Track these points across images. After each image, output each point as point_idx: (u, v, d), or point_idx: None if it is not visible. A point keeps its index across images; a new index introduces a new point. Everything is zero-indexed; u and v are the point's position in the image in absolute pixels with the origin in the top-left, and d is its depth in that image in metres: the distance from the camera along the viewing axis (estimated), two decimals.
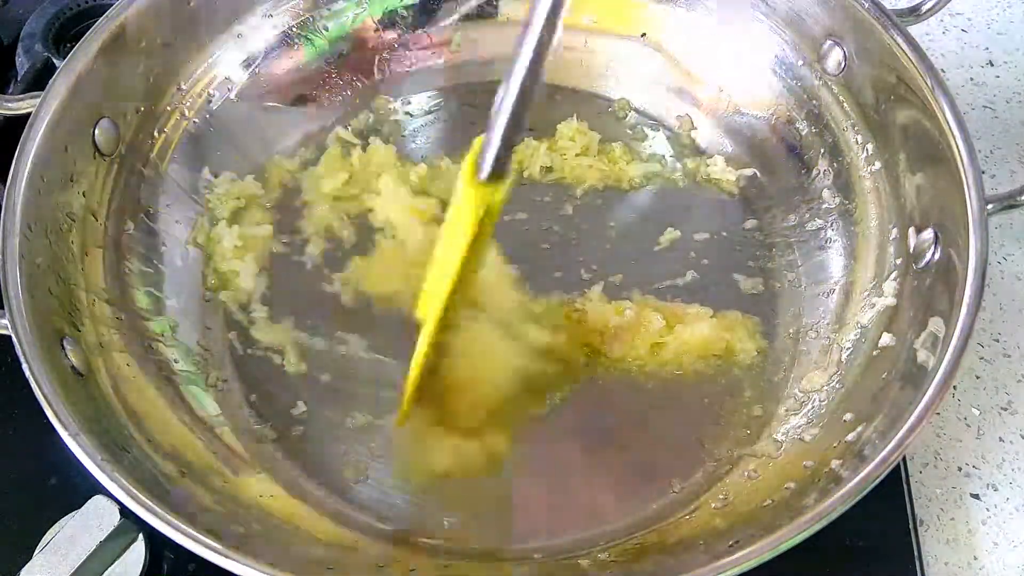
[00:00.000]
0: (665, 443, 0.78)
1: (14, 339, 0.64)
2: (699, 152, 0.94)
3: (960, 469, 0.80)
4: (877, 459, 0.59)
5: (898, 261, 0.77)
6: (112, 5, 0.79)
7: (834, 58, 0.84)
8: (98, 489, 0.62)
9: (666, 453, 0.77)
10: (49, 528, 0.71)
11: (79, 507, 0.69)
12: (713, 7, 0.92)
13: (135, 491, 0.59)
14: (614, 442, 0.78)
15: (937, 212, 0.73)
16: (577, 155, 0.92)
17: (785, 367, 0.81)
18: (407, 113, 0.98)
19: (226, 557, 0.56)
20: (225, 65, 0.91)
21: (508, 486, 0.76)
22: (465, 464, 0.75)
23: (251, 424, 0.79)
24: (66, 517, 0.70)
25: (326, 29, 0.96)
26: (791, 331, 0.83)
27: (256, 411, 0.79)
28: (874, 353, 0.74)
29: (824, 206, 0.86)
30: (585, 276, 0.86)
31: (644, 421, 0.79)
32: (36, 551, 0.69)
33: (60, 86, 0.75)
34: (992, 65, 1.09)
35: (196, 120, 0.89)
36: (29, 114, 0.73)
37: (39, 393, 0.62)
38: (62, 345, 0.68)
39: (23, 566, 0.67)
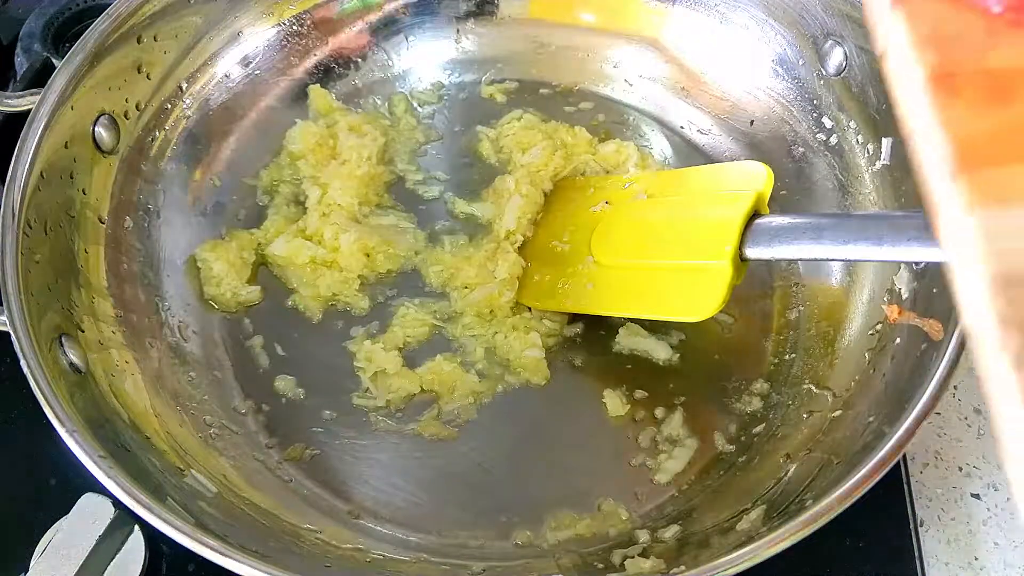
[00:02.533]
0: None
1: (12, 336, 0.64)
2: (699, 151, 0.94)
3: (961, 469, 0.80)
4: (876, 459, 0.59)
5: None
6: (111, 4, 0.79)
7: (835, 58, 0.84)
8: (89, 486, 0.62)
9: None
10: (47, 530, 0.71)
11: None
12: (713, 7, 0.92)
13: (133, 489, 0.58)
14: (625, 436, 0.78)
15: None
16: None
17: (785, 366, 0.81)
18: (407, 110, 0.98)
19: (225, 556, 0.56)
20: (224, 63, 0.91)
21: (507, 484, 0.76)
22: None
23: (249, 421, 0.79)
24: (61, 520, 0.69)
25: (326, 27, 0.96)
26: (791, 331, 0.82)
27: (254, 408, 0.79)
28: (873, 353, 0.74)
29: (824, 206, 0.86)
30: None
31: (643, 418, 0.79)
32: (34, 557, 0.68)
33: (60, 83, 0.75)
34: None
35: (195, 118, 0.89)
36: (29, 111, 0.73)
37: (37, 390, 0.62)
38: (60, 342, 0.68)
39: (24, 571, 0.67)
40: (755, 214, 0.69)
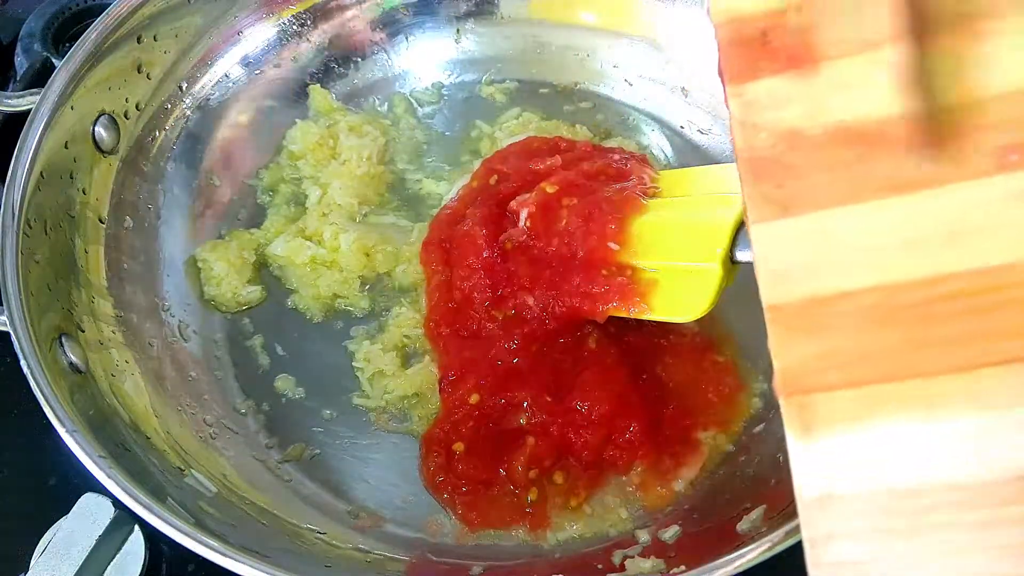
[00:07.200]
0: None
1: (12, 336, 0.64)
2: (699, 151, 0.94)
3: None
4: None
5: None
6: (111, 4, 0.79)
7: None
8: (89, 486, 0.62)
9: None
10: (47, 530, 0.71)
11: None
12: None
13: (133, 489, 0.58)
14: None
15: None
16: None
17: None
18: (407, 110, 0.98)
19: (225, 556, 0.56)
20: (224, 63, 0.91)
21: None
22: None
23: (249, 421, 0.79)
24: (61, 520, 0.69)
25: (325, 27, 0.96)
26: None
27: (254, 408, 0.80)
28: None
29: None
30: None
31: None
32: (34, 557, 0.68)
33: (60, 83, 0.75)
34: None
35: (195, 118, 0.90)
36: (29, 111, 0.73)
37: (37, 390, 0.62)
38: (60, 342, 0.68)
39: (24, 571, 0.67)
40: None
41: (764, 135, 0.47)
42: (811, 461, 0.44)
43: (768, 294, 0.46)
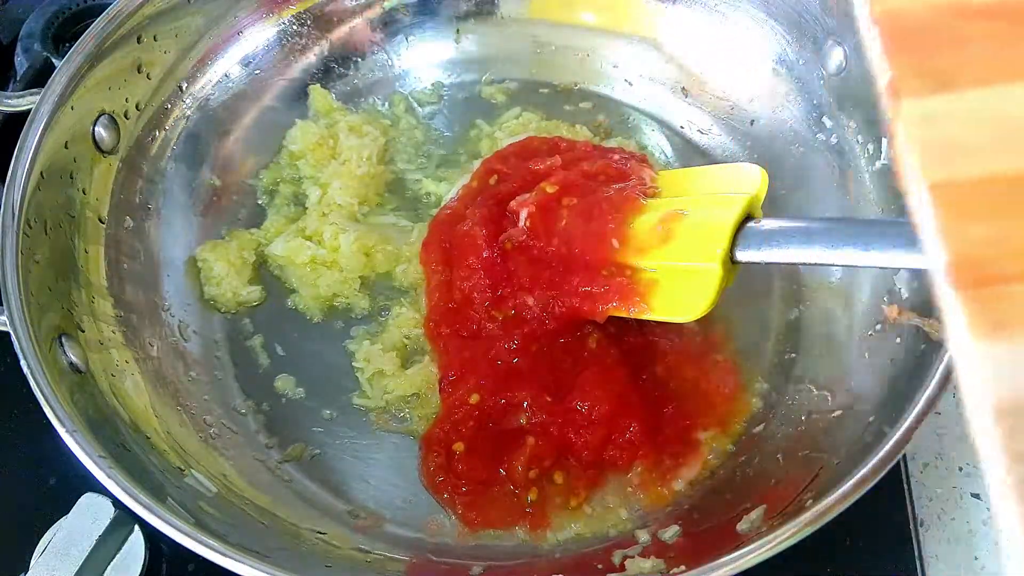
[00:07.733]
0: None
1: (12, 336, 0.64)
2: (699, 151, 0.94)
3: (961, 469, 0.80)
4: (876, 459, 0.59)
5: None
6: (111, 4, 0.80)
7: (835, 58, 0.84)
8: (89, 486, 0.62)
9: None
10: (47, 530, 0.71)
11: None
12: (713, 6, 0.92)
13: (133, 489, 0.59)
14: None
15: None
16: None
17: (785, 366, 0.81)
18: (407, 110, 0.98)
19: (225, 556, 0.56)
20: (224, 63, 0.91)
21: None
22: None
23: (249, 421, 0.79)
24: (61, 520, 0.69)
25: (325, 27, 0.96)
26: (792, 331, 0.83)
27: (254, 408, 0.80)
28: (873, 353, 0.74)
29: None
30: None
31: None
32: (34, 557, 0.68)
33: (60, 83, 0.75)
34: None
35: (195, 118, 0.90)
36: (29, 111, 0.74)
37: (37, 390, 0.62)
38: (60, 342, 0.68)
39: (24, 571, 0.67)
40: (748, 217, 0.69)
41: (910, 1, 0.42)
42: (1008, 362, 0.36)
43: (930, 173, 0.40)
